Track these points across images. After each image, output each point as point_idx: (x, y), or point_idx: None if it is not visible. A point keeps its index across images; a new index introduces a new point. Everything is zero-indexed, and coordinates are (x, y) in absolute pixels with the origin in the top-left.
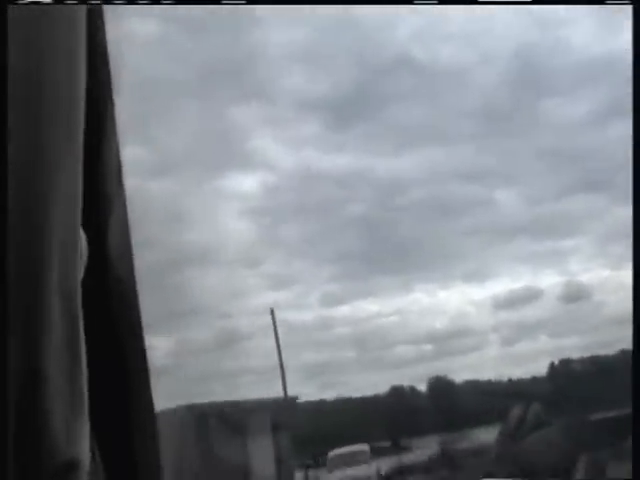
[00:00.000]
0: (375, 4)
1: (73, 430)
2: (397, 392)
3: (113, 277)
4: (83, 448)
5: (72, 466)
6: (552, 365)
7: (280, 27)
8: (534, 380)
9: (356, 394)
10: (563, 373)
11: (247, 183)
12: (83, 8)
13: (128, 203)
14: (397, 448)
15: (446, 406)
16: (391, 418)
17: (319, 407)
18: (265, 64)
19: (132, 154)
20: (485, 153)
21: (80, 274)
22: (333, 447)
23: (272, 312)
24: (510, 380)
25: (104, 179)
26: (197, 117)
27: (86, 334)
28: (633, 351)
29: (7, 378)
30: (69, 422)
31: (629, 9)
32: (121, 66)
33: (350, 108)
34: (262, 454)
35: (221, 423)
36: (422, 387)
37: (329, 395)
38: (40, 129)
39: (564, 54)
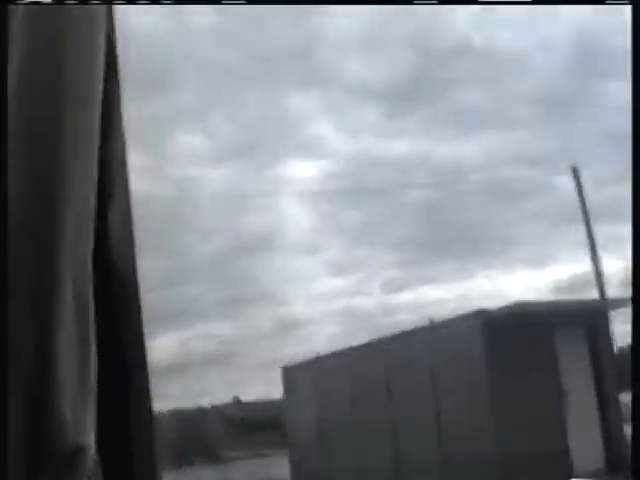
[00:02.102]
0: (375, 4)
1: (80, 416)
2: None
3: (115, 271)
4: (89, 433)
5: (78, 451)
6: (621, 350)
7: (338, 14)
8: None
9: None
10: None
11: (306, 169)
12: (103, 8)
13: (190, 190)
14: None
15: None
16: None
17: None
18: (324, 51)
19: (192, 143)
20: (545, 137)
21: (91, 262)
22: None
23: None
24: None
25: (107, 173)
26: (256, 104)
27: None
28: (632, 351)
29: (9, 367)
30: (77, 408)
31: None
32: (127, 61)
33: (409, 94)
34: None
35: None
36: None
37: None
38: (60, 117)
39: (625, 36)
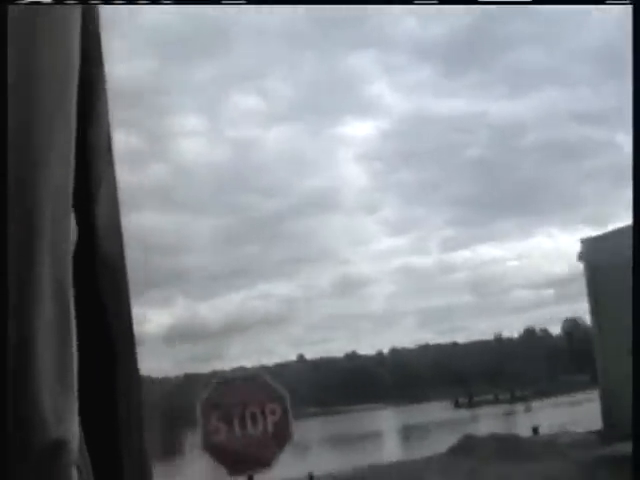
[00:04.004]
0: (375, 4)
1: (62, 408)
2: (530, 334)
3: (102, 254)
4: (72, 426)
5: (61, 445)
6: None
7: None
8: None
9: (482, 337)
10: None
11: (363, 129)
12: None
13: (238, 153)
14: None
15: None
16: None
17: (451, 351)
18: (379, 11)
19: (250, 104)
20: (605, 95)
21: (71, 246)
22: None
23: None
24: None
25: (93, 159)
26: (314, 65)
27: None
28: (633, 350)
29: None
30: (58, 400)
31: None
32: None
33: (465, 53)
34: None
35: None
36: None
37: (447, 340)
38: (33, 103)
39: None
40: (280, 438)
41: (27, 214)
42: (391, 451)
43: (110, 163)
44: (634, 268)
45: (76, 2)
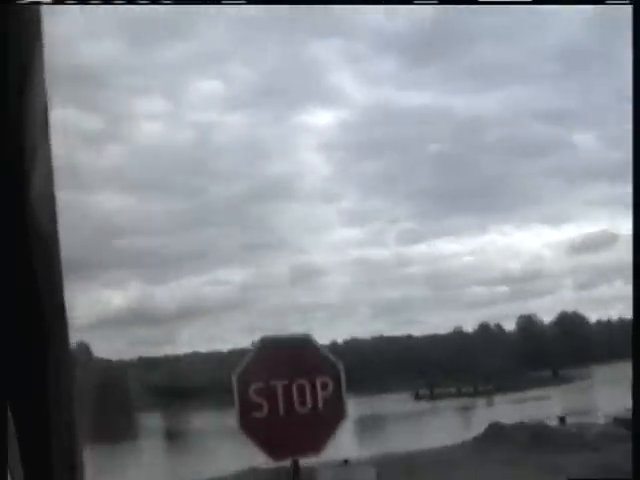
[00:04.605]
0: (375, 4)
1: None
2: (484, 330)
3: (37, 232)
4: None
5: None
6: None
7: None
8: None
9: (437, 331)
10: None
11: (325, 118)
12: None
13: (198, 137)
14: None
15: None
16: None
17: (406, 343)
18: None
19: (209, 88)
20: (566, 94)
21: None
22: None
23: None
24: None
25: (28, 133)
26: (276, 52)
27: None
28: (633, 350)
29: None
30: None
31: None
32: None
33: (429, 46)
34: None
35: None
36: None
37: (402, 332)
38: None
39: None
40: (332, 418)
41: None
42: (358, 440)
43: (46, 138)
44: (634, 268)
45: (76, 2)
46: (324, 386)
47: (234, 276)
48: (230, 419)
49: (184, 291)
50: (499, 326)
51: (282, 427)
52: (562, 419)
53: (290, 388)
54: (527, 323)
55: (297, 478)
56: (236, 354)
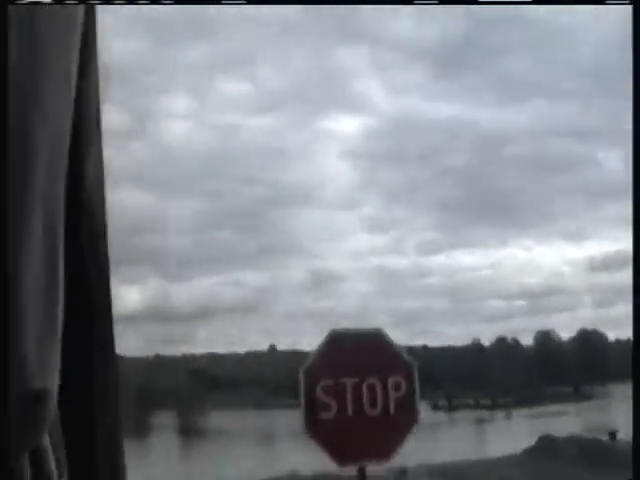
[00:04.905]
0: (375, 4)
1: (45, 357)
2: (501, 343)
3: (86, 229)
4: (54, 377)
5: (42, 396)
6: None
7: None
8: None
9: (453, 343)
10: None
11: (349, 125)
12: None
13: (221, 139)
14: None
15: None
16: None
17: (422, 353)
18: (374, 7)
19: (236, 91)
20: (592, 112)
21: (63, 192)
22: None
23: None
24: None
25: (82, 133)
26: (304, 56)
27: None
28: (633, 350)
29: None
30: (42, 347)
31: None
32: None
33: (457, 58)
34: None
35: None
36: (525, 341)
37: (418, 342)
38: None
39: None
40: (404, 421)
41: (22, 147)
42: None
43: (99, 140)
44: (634, 269)
45: (76, 2)
46: (396, 386)
47: (251, 279)
48: (243, 420)
49: (201, 291)
50: (516, 340)
51: (350, 430)
52: (613, 434)
53: (360, 387)
54: (545, 338)
55: None
56: (253, 356)
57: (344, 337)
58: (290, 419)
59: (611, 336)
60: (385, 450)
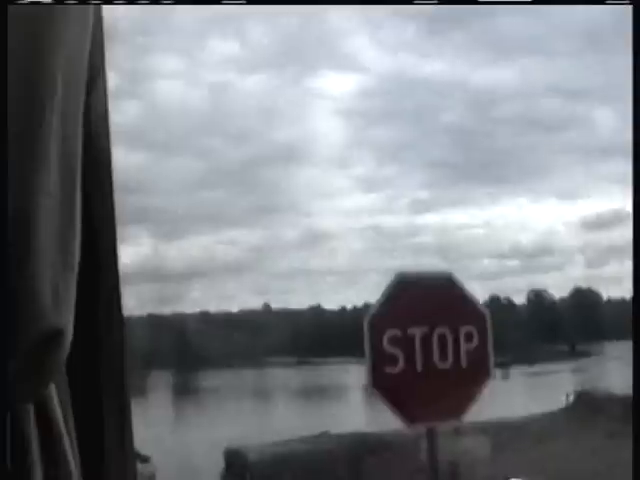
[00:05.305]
0: (375, 4)
1: (61, 296)
2: (495, 302)
3: (92, 168)
4: (69, 316)
5: (57, 333)
6: None
7: None
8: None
9: None
10: None
11: (341, 84)
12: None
13: (213, 98)
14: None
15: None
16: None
17: None
18: None
19: (227, 49)
20: (586, 70)
21: (80, 134)
22: None
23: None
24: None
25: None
26: (295, 16)
27: None
28: (633, 348)
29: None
30: (58, 286)
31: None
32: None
33: (449, 15)
34: None
35: None
36: (518, 300)
37: None
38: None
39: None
40: (477, 376)
41: (38, 81)
42: None
43: (107, 133)
44: (634, 267)
45: (76, 2)
46: (468, 337)
47: (244, 237)
48: (239, 378)
49: (194, 250)
50: (509, 299)
51: (419, 385)
52: (572, 346)
53: (430, 338)
54: (538, 297)
55: (434, 447)
56: (246, 314)
57: (412, 281)
58: (286, 377)
59: (604, 295)
60: (457, 408)
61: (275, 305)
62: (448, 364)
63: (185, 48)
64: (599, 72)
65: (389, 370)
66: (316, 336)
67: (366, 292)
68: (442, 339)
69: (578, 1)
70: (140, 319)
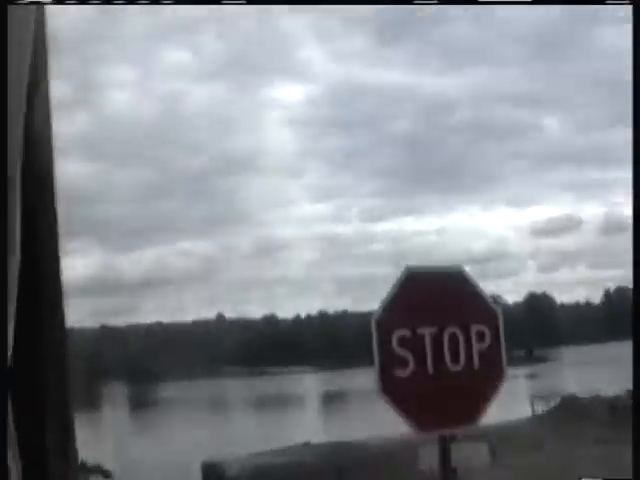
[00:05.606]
0: (376, 4)
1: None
2: None
3: (35, 181)
4: (6, 350)
5: None
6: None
7: None
8: (587, 306)
9: None
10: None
11: (293, 93)
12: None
13: (164, 108)
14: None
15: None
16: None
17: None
18: None
19: (179, 59)
20: (534, 78)
21: (22, 126)
22: None
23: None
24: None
25: (37, 124)
26: (246, 25)
27: None
28: (633, 349)
29: None
30: None
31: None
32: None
33: (398, 24)
34: None
35: None
36: None
37: (367, 308)
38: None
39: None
40: (490, 378)
41: None
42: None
43: (45, 74)
44: (634, 267)
45: (76, 2)
46: (480, 336)
47: (197, 248)
48: (196, 390)
49: (147, 261)
50: None
51: (430, 389)
52: (529, 351)
53: (440, 338)
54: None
55: (447, 457)
56: (200, 325)
57: (420, 277)
58: (242, 387)
59: (557, 300)
60: (471, 413)
61: (229, 315)
62: (460, 365)
63: (136, 57)
64: (547, 79)
65: (399, 373)
66: (271, 345)
67: (320, 300)
68: (453, 339)
69: (578, 1)
70: (93, 331)
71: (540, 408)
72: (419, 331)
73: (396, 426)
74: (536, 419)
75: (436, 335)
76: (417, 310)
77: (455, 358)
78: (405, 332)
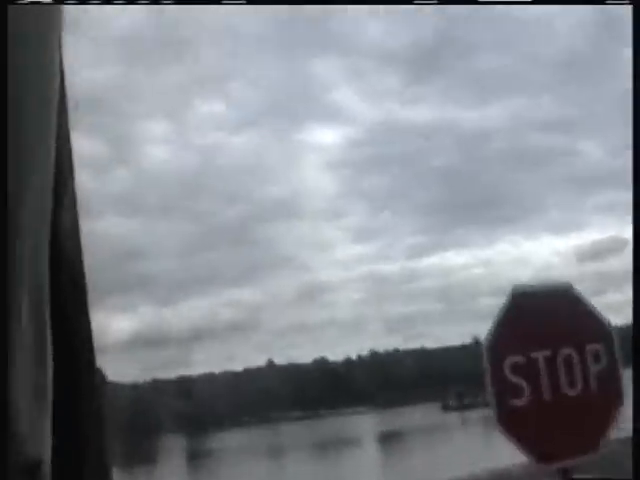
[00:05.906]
0: (376, 4)
1: (38, 429)
2: None
3: (65, 269)
4: (46, 447)
5: (36, 466)
6: None
7: None
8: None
9: (451, 343)
10: None
11: (328, 136)
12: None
13: (201, 160)
14: None
15: None
16: None
17: (422, 355)
18: (343, 16)
19: (213, 110)
20: (567, 102)
21: (47, 261)
22: None
23: None
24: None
25: (58, 167)
26: (277, 71)
27: None
28: (633, 350)
29: None
30: (34, 420)
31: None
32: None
33: (430, 59)
34: None
35: None
36: None
37: (416, 345)
38: (20, 117)
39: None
40: (609, 401)
41: (8, 237)
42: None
43: (72, 171)
44: (634, 268)
45: (76, 2)
46: (595, 357)
47: (243, 296)
48: (250, 437)
49: (195, 313)
50: None
51: (548, 417)
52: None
53: (554, 361)
54: None
55: None
56: (251, 372)
57: (529, 297)
58: (294, 432)
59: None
60: (592, 441)
61: (279, 360)
62: (577, 390)
63: (170, 111)
64: (580, 103)
65: (515, 402)
66: (323, 388)
67: (370, 340)
68: (567, 362)
69: (578, 1)
70: (145, 384)
71: None
72: (532, 355)
73: (455, 465)
74: None
75: (549, 359)
76: (528, 333)
77: (571, 382)
78: (518, 357)
